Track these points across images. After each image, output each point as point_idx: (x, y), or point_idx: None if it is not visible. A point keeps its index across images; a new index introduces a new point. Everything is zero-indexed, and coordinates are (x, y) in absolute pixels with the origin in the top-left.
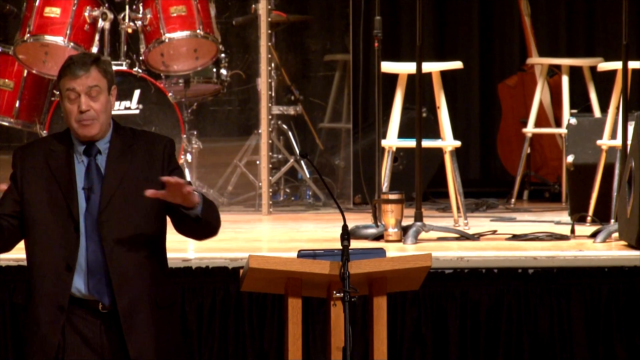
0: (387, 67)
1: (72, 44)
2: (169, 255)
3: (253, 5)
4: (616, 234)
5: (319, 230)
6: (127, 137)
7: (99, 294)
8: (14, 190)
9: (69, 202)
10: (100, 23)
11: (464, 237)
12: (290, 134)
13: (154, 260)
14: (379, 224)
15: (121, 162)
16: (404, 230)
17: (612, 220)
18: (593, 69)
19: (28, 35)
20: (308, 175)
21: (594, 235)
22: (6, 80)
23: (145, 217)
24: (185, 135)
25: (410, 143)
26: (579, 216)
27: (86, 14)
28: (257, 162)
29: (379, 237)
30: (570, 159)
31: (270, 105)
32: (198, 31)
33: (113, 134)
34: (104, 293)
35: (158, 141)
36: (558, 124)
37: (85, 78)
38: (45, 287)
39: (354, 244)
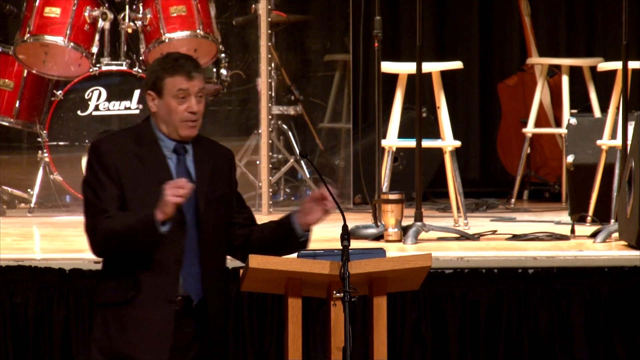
0: (387, 67)
1: (72, 44)
2: None
3: (253, 5)
4: (616, 234)
5: (319, 230)
6: (202, 140)
7: (189, 290)
8: (111, 185)
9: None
10: (100, 23)
11: (464, 237)
12: (290, 134)
13: (224, 263)
14: (379, 224)
15: (206, 165)
16: (404, 230)
17: (612, 220)
18: (593, 69)
19: (28, 35)
20: (308, 175)
21: (594, 235)
22: (6, 80)
23: (222, 220)
24: None
25: (410, 143)
26: (579, 216)
27: (86, 14)
28: (257, 162)
29: (379, 237)
30: (570, 159)
31: (270, 105)
32: (198, 31)
33: (193, 138)
34: (192, 289)
35: (224, 152)
36: (558, 124)
37: (197, 80)
38: (155, 282)
39: (354, 244)
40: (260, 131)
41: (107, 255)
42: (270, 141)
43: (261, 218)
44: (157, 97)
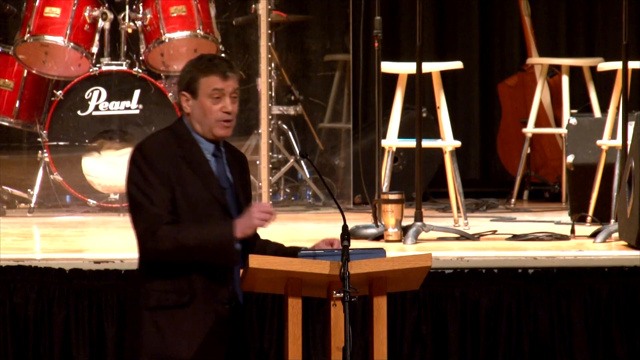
0: (387, 67)
1: (72, 44)
2: None
3: (253, 5)
4: (616, 234)
5: (319, 230)
6: (229, 145)
7: (237, 292)
8: (162, 187)
9: (220, 200)
10: (100, 23)
11: (464, 237)
12: (290, 134)
13: None
14: (379, 224)
15: (235, 168)
16: (404, 230)
17: (612, 220)
18: (593, 69)
19: (28, 35)
20: (308, 175)
21: (594, 235)
22: (6, 80)
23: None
24: None
25: (410, 143)
26: (579, 216)
27: (86, 14)
28: (257, 162)
29: (379, 237)
30: (570, 159)
31: (270, 105)
32: (198, 31)
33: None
34: (238, 291)
35: (241, 155)
36: (558, 124)
37: (232, 80)
38: (210, 284)
39: (354, 244)
40: (260, 131)
41: (167, 262)
42: (270, 141)
43: None
44: (191, 97)
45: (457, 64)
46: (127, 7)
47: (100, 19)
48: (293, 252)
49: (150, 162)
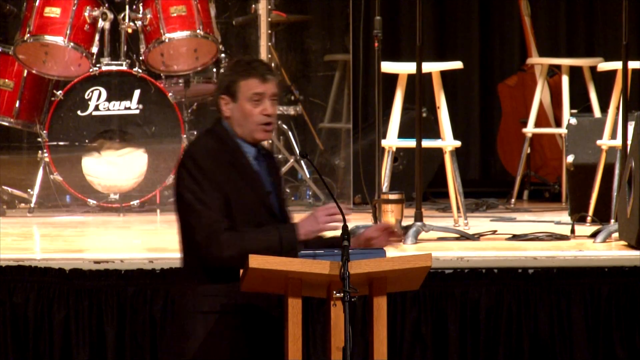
0: (387, 67)
1: (72, 44)
2: (168, 255)
3: (253, 5)
4: (616, 234)
5: None
6: (268, 154)
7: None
8: (215, 192)
9: (266, 203)
10: (100, 23)
11: (464, 237)
12: (290, 134)
13: None
14: (379, 223)
15: (272, 169)
16: (404, 230)
17: (612, 220)
18: (593, 69)
19: (28, 35)
20: (308, 175)
21: (594, 235)
22: (6, 80)
23: None
24: (185, 135)
25: (410, 143)
26: (579, 216)
27: (86, 14)
28: None
29: None
30: (570, 159)
31: None
32: (198, 31)
33: None
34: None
35: (270, 153)
36: (558, 124)
37: (271, 83)
38: None
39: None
40: None
41: (228, 267)
42: (270, 141)
43: None
44: (231, 100)
45: (457, 64)
46: (127, 7)
47: (100, 19)
48: (335, 241)
49: (202, 167)
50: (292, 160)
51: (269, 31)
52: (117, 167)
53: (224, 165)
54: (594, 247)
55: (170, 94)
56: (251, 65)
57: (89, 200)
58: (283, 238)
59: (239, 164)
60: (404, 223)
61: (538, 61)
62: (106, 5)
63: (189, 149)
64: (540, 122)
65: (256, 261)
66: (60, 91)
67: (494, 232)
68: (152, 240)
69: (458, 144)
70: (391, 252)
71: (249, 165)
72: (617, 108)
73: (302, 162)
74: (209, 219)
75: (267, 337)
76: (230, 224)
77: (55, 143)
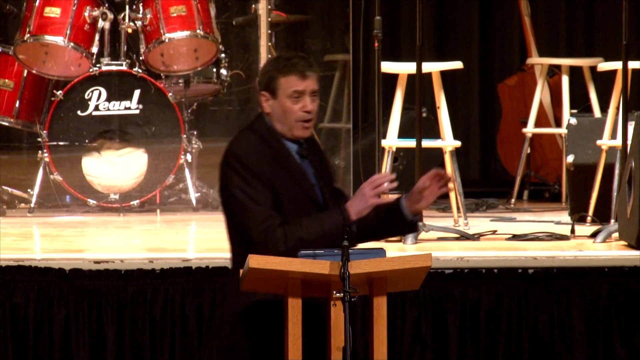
0: (387, 67)
1: (72, 44)
2: (168, 255)
3: (253, 5)
4: (616, 234)
5: None
6: (310, 140)
7: None
8: (264, 188)
9: (312, 196)
10: (100, 23)
11: (464, 237)
12: None
13: None
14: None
15: (317, 163)
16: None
17: (612, 220)
18: (593, 69)
19: (28, 35)
20: None
21: (594, 235)
22: (6, 80)
23: None
24: (185, 135)
25: (410, 143)
26: (579, 216)
27: (86, 14)
28: None
29: None
30: (570, 159)
31: None
32: (198, 31)
33: None
34: None
35: (315, 142)
36: (558, 124)
37: (311, 80)
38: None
39: None
40: None
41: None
42: None
43: None
44: (271, 97)
45: (457, 64)
46: (127, 7)
47: (100, 19)
48: (382, 213)
49: (248, 164)
50: None
51: (269, 31)
52: (117, 167)
53: (269, 161)
54: (594, 247)
55: (170, 94)
56: (291, 61)
57: (89, 200)
58: (337, 222)
59: (282, 159)
60: None
61: (538, 61)
62: (106, 5)
63: (231, 147)
64: (540, 122)
65: (256, 261)
66: (60, 91)
67: (494, 232)
68: (152, 240)
69: (458, 144)
70: (391, 252)
71: (293, 160)
72: (617, 108)
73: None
74: (262, 216)
75: (321, 333)
76: (284, 218)
77: (55, 143)
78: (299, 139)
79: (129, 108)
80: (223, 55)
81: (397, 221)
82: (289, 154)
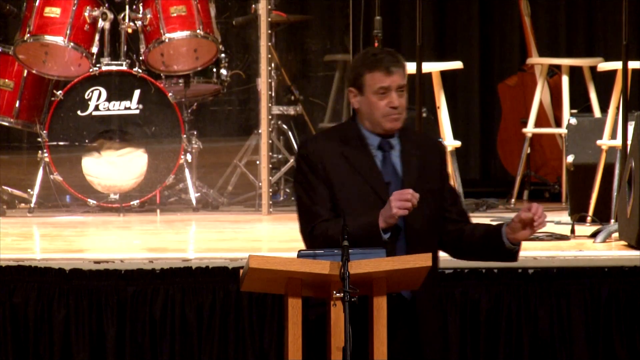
0: None
1: (72, 44)
2: (168, 255)
3: (253, 5)
4: (616, 234)
5: None
6: (410, 135)
7: None
8: (321, 185)
9: (380, 193)
10: (100, 23)
11: None
12: (290, 134)
13: (435, 260)
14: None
15: (413, 158)
16: None
17: (612, 220)
18: (593, 69)
19: (28, 35)
20: None
21: (594, 235)
22: (6, 80)
23: (432, 215)
24: (185, 135)
25: None
26: (579, 216)
27: (86, 14)
28: (257, 162)
29: None
30: (570, 159)
31: (270, 105)
32: (198, 31)
33: (399, 131)
34: None
35: (433, 143)
36: (558, 124)
37: (397, 75)
38: None
39: None
40: (260, 131)
41: None
42: (270, 141)
43: (261, 218)
44: (358, 93)
45: (457, 64)
46: (127, 7)
47: (100, 19)
48: (485, 234)
49: (309, 161)
50: (292, 160)
51: (269, 31)
52: (117, 167)
53: (335, 157)
54: (594, 247)
55: (170, 94)
56: (377, 57)
57: (89, 200)
58: (366, 226)
59: (352, 156)
60: None
61: (538, 61)
62: (106, 5)
63: (302, 143)
64: (540, 122)
65: (256, 261)
66: (60, 91)
67: None
68: (152, 240)
69: (458, 144)
70: None
71: (368, 156)
72: (617, 108)
73: None
74: (311, 213)
75: (399, 319)
76: (332, 215)
77: (55, 143)
78: (391, 132)
79: (129, 108)
80: (223, 55)
81: (496, 246)
82: (363, 150)
